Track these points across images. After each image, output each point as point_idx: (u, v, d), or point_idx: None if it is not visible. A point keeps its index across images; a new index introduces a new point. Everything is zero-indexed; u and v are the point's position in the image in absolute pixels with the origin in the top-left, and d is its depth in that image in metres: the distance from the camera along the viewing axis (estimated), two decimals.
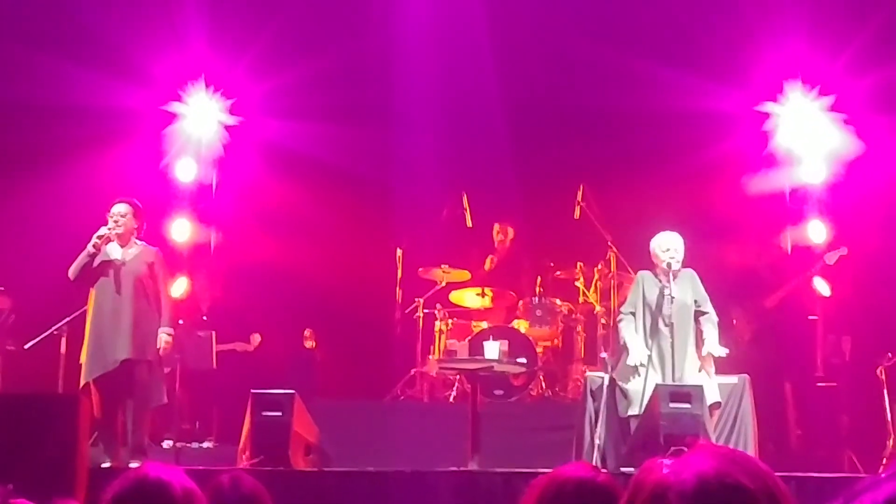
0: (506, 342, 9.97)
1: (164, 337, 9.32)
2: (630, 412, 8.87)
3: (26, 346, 10.14)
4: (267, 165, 12.97)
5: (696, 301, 9.14)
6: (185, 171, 12.81)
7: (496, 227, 12.71)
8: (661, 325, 9.01)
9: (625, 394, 8.94)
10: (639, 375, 8.91)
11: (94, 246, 9.27)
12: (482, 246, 12.74)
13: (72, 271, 9.35)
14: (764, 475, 1.82)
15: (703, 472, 1.79)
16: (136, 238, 9.56)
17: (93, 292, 9.34)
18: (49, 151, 12.14)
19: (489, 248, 12.77)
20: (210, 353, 11.31)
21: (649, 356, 8.94)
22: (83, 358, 9.21)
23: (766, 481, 1.81)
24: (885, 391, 10.35)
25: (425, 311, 12.05)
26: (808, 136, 12.45)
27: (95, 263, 9.32)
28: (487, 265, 12.67)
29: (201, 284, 12.45)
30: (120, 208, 9.46)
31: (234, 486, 4.06)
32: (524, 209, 12.99)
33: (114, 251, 9.39)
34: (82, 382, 9.14)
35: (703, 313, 9.15)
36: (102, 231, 9.30)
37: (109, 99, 11.89)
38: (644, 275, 9.46)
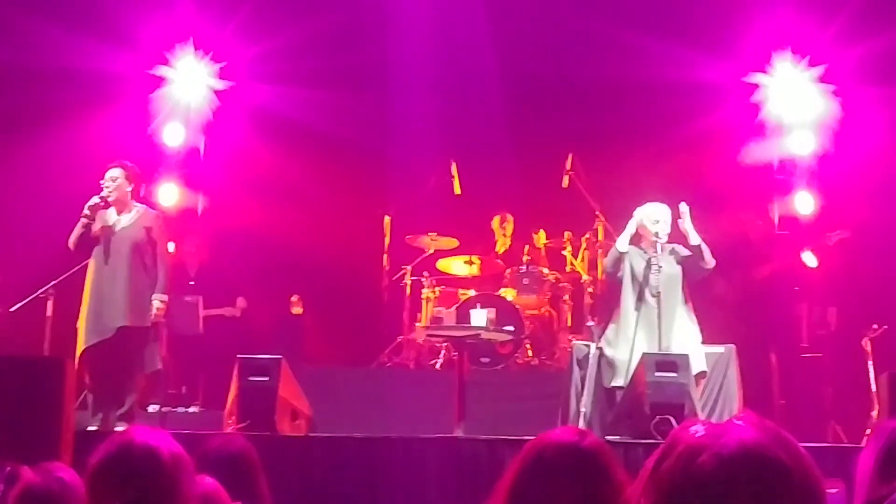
0: (493, 310, 9.99)
1: (156, 304, 9.27)
2: (615, 383, 8.90)
3: (12, 309, 10.11)
4: (255, 130, 12.91)
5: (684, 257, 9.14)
6: (173, 135, 12.75)
7: (496, 219, 12.69)
8: (647, 296, 9.03)
9: (610, 363, 8.96)
10: (626, 342, 8.95)
11: (85, 216, 9.21)
12: (470, 215, 12.71)
13: (71, 242, 9.31)
14: (802, 458, 1.83)
15: (746, 440, 1.80)
16: (134, 201, 9.49)
17: (91, 259, 9.31)
18: (35, 115, 12.06)
19: (492, 237, 12.75)
20: (197, 318, 11.30)
21: (636, 326, 8.97)
22: (80, 324, 9.18)
23: (804, 464, 1.82)
24: (870, 362, 10.38)
25: (412, 278, 12.05)
26: (796, 107, 12.44)
27: (94, 231, 9.27)
28: (500, 248, 12.65)
29: (188, 249, 12.41)
30: (112, 172, 9.37)
31: (224, 446, 4.08)
32: (513, 177, 12.99)
33: (111, 217, 9.34)
34: (80, 349, 9.11)
35: None
36: (94, 200, 9.22)
37: (96, 62, 11.81)
38: (629, 249, 9.49)
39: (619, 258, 9.21)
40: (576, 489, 2.80)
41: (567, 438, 2.88)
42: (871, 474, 2.80)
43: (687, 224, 9.08)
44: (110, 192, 9.31)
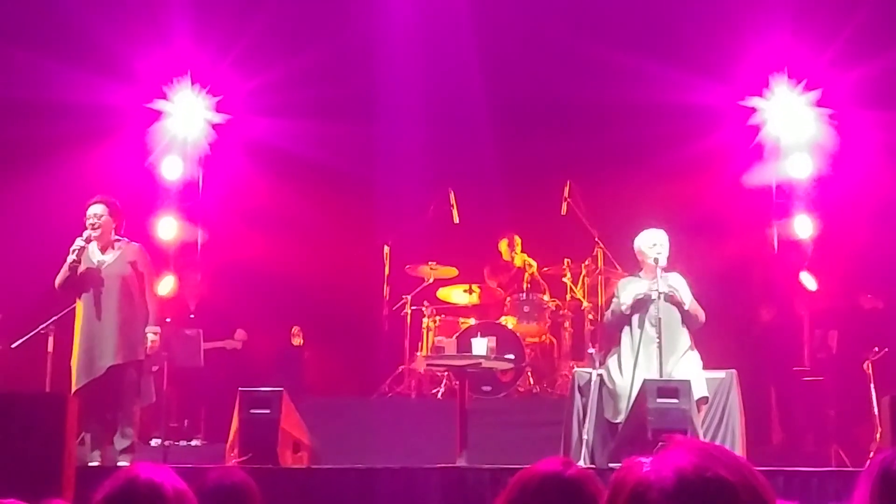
0: (493, 338, 9.96)
1: (150, 336, 9.28)
2: (617, 419, 8.86)
3: (13, 346, 10.10)
4: (253, 163, 12.94)
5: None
6: (171, 169, 12.78)
7: (503, 241, 12.70)
8: (647, 324, 9.01)
9: (612, 394, 8.93)
10: (626, 370, 8.92)
11: (72, 261, 9.19)
12: (470, 243, 12.71)
13: (57, 282, 9.26)
14: (742, 467, 1.83)
15: (682, 467, 1.80)
16: (117, 235, 9.47)
17: (79, 299, 9.29)
18: (33, 149, 12.09)
19: (497, 260, 12.76)
20: (198, 351, 11.28)
21: (636, 354, 8.96)
22: (73, 363, 9.17)
23: (744, 473, 1.82)
24: (872, 385, 10.37)
25: (413, 307, 12.04)
26: (794, 130, 12.47)
27: (79, 272, 9.25)
28: (518, 262, 12.66)
29: (188, 283, 12.43)
30: (96, 209, 9.29)
31: (223, 478, 4.06)
32: (512, 205, 13.00)
33: (95, 254, 9.28)
34: (73, 388, 9.08)
35: None
36: (78, 243, 9.18)
37: (94, 96, 11.85)
38: (623, 282, 9.48)
39: (622, 317, 9.17)
40: None
41: (551, 468, 2.87)
42: None
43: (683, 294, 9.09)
44: (96, 228, 9.29)
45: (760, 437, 10.70)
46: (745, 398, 9.17)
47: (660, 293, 8.91)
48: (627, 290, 9.19)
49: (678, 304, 9.03)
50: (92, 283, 9.22)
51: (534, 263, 12.61)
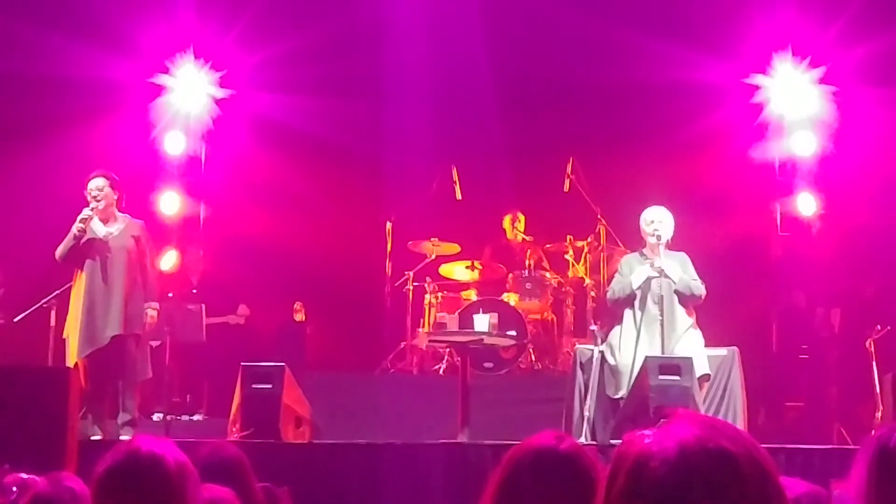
0: (495, 315, 9.97)
1: (150, 312, 9.35)
2: (619, 395, 8.88)
3: (16, 320, 10.11)
4: (256, 138, 12.92)
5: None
6: (174, 144, 12.76)
7: (507, 218, 12.68)
8: (649, 302, 9.01)
9: (613, 371, 8.94)
10: (628, 347, 8.92)
11: (79, 230, 9.20)
12: (472, 220, 12.70)
13: (59, 253, 9.29)
14: (745, 440, 1.83)
15: (684, 438, 1.80)
16: (118, 210, 9.50)
17: (81, 270, 9.30)
18: (35, 124, 12.06)
19: (499, 241, 12.76)
20: (200, 326, 11.28)
21: (638, 331, 8.96)
22: (70, 334, 9.17)
23: (747, 445, 1.82)
24: (874, 363, 10.38)
25: (415, 284, 12.03)
26: (797, 108, 12.43)
27: (81, 242, 9.27)
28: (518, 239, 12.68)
29: (191, 258, 12.43)
30: (97, 182, 9.34)
31: (215, 453, 4.07)
32: (515, 182, 12.98)
33: (98, 228, 9.31)
34: (72, 359, 9.10)
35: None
36: (86, 213, 9.22)
37: (96, 71, 11.81)
38: (628, 258, 9.49)
39: (629, 295, 9.17)
40: (557, 492, 2.81)
41: (545, 443, 2.88)
42: (866, 484, 2.81)
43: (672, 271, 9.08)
44: (99, 201, 9.30)
45: (762, 415, 10.71)
46: (747, 376, 9.18)
47: (661, 271, 8.93)
48: (634, 269, 9.19)
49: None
50: (98, 254, 9.25)
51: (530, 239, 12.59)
